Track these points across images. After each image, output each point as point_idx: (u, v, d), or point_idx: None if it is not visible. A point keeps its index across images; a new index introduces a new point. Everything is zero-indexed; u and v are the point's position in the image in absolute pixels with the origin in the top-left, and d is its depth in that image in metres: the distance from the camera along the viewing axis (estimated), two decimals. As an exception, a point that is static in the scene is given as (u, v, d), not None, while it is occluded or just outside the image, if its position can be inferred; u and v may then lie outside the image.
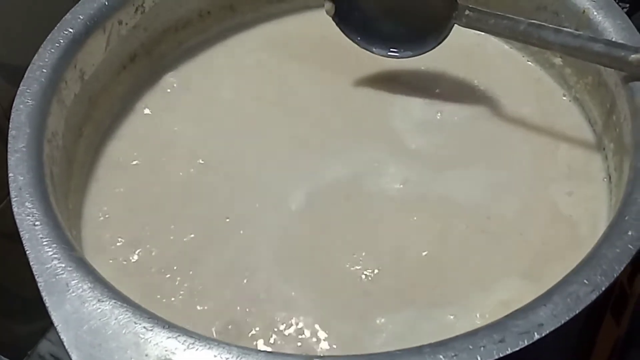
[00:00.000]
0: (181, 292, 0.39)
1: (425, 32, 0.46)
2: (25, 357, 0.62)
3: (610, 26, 0.43)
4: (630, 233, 0.33)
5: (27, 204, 0.36)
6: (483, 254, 0.40)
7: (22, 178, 0.37)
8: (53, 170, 0.39)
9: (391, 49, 0.47)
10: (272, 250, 0.40)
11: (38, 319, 0.62)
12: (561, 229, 0.41)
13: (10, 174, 0.37)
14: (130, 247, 0.41)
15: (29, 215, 0.35)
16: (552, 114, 0.46)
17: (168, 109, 0.48)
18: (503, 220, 0.42)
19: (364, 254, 0.40)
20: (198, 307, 0.38)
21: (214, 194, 0.43)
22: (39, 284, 0.33)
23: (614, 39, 0.42)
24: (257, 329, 0.37)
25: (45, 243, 0.34)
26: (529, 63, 0.49)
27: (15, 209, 0.36)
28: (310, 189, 0.43)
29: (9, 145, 0.38)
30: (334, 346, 0.37)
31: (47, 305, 0.32)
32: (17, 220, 0.35)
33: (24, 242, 0.35)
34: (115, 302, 0.32)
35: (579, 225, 0.42)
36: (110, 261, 0.40)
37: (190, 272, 0.40)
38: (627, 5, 0.62)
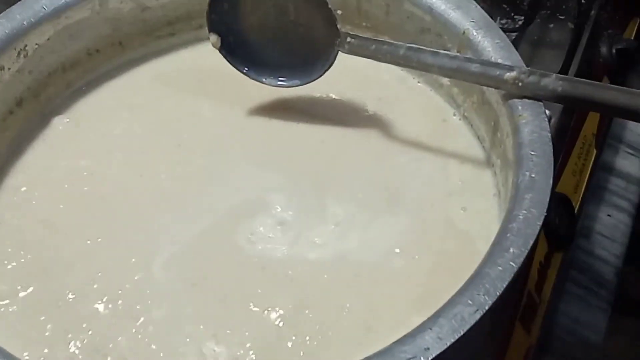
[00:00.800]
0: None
1: (311, 60, 0.46)
2: None
3: (490, 45, 0.43)
4: (511, 250, 0.34)
5: None
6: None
7: None
8: None
9: (280, 78, 0.48)
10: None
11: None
12: (458, 244, 0.42)
13: None
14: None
15: None
16: (443, 133, 0.47)
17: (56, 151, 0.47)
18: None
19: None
20: None
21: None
22: None
23: (493, 58, 0.43)
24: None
25: None
26: (419, 84, 0.50)
27: None
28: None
29: None
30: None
31: None
32: None
33: None
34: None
35: (475, 241, 0.42)
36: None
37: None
38: (522, 17, 0.63)
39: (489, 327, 0.36)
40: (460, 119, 0.48)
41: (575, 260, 0.63)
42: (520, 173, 0.37)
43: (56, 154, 0.47)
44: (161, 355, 0.38)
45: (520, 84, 0.40)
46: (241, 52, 0.47)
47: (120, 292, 0.40)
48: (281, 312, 0.39)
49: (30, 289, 0.40)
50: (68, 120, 0.49)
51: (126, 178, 0.46)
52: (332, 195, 0.44)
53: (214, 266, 0.41)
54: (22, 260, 0.42)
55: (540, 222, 0.35)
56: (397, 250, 0.42)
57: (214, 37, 0.47)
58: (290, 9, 0.47)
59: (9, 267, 0.41)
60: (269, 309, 0.39)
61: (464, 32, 0.45)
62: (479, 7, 0.45)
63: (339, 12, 0.49)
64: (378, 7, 0.50)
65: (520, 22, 0.63)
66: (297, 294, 0.40)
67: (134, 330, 0.39)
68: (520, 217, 0.35)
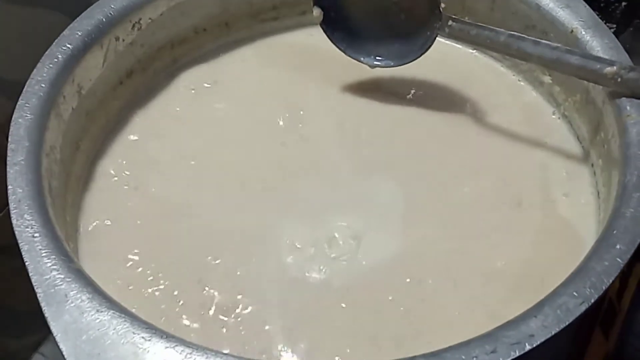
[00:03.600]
0: (180, 302, 0.40)
1: (408, 41, 0.47)
2: (18, 371, 0.62)
3: (598, 45, 0.44)
4: (618, 247, 0.34)
5: (26, 216, 0.36)
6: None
7: (20, 190, 0.37)
8: (51, 184, 0.40)
9: (376, 58, 0.48)
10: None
11: (30, 333, 0.62)
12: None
13: (9, 187, 0.37)
14: (125, 260, 0.42)
15: (27, 227, 0.36)
16: (541, 130, 0.47)
17: (162, 128, 0.49)
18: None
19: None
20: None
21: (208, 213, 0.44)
22: (38, 295, 0.34)
23: (601, 58, 0.43)
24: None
25: (44, 254, 0.35)
26: (520, 82, 0.50)
27: (14, 221, 0.36)
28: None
29: (8, 158, 0.39)
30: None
31: (46, 315, 0.33)
32: (16, 232, 0.36)
33: (23, 253, 0.35)
34: (113, 313, 0.33)
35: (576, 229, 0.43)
36: (108, 273, 0.41)
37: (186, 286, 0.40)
38: (615, 25, 0.63)
39: (577, 326, 0.37)
40: (559, 118, 0.48)
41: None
42: (628, 172, 0.37)
43: (161, 129, 0.49)
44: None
45: (619, 79, 0.40)
46: (341, 28, 0.48)
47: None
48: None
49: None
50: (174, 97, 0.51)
51: (229, 156, 0.47)
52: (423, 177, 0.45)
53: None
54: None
55: (648, 222, 0.35)
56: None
57: (317, 11, 0.48)
58: None
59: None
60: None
61: (572, 31, 0.45)
62: (588, 7, 0.45)
63: (443, 5, 0.49)
64: (483, 2, 0.50)
65: (612, 30, 0.62)
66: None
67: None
68: (627, 215, 0.35)
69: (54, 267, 0.34)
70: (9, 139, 0.40)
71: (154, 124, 0.49)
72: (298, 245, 0.42)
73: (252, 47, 0.54)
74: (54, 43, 0.44)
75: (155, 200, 0.45)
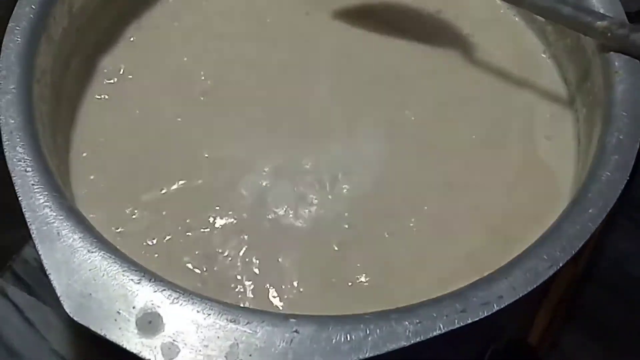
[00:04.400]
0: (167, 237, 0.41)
1: None
2: (10, 261, 0.64)
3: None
4: (590, 211, 0.35)
5: (18, 148, 0.37)
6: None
7: (12, 121, 0.38)
8: (42, 110, 0.40)
9: None
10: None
11: (20, 225, 0.63)
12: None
13: (1, 117, 0.38)
14: (112, 183, 0.43)
15: (20, 161, 0.36)
16: (530, 70, 0.48)
17: (156, 38, 0.49)
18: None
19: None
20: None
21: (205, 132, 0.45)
22: (31, 231, 0.35)
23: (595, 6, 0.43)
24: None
25: (37, 190, 0.36)
26: (514, 17, 0.50)
27: (6, 153, 0.37)
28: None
29: (-1, 86, 0.39)
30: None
31: (39, 251, 0.34)
32: (8, 165, 0.36)
33: (16, 188, 0.36)
34: (104, 254, 0.34)
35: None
36: (95, 198, 0.42)
37: (175, 216, 0.42)
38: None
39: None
40: (549, 58, 0.48)
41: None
42: (609, 132, 0.38)
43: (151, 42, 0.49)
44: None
45: (609, 34, 0.40)
46: None
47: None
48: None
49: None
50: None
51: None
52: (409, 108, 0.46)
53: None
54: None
55: (622, 186, 0.36)
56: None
57: None
58: None
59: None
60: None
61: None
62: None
63: None
64: None
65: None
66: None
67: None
68: (603, 178, 0.37)
69: (47, 204, 0.35)
70: (0, 65, 0.40)
71: (146, 38, 0.49)
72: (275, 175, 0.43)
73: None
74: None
75: (144, 121, 0.45)
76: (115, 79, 0.47)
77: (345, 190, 0.43)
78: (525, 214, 0.42)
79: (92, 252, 0.34)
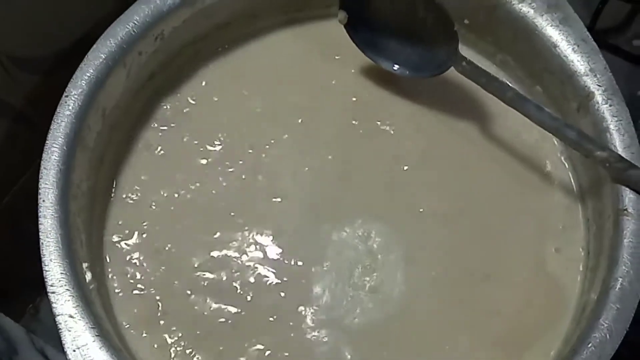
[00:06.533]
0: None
1: (425, 60, 0.49)
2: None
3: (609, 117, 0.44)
4: (590, 365, 0.38)
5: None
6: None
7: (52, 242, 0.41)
8: (79, 223, 0.43)
9: (394, 65, 0.50)
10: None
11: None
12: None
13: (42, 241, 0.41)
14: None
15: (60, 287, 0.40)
16: (544, 170, 0.49)
17: (188, 119, 0.51)
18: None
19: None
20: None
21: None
22: None
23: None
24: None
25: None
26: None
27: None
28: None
29: (39, 209, 0.42)
30: None
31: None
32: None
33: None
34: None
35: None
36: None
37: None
38: None
39: None
40: (564, 160, 0.49)
41: None
42: (612, 278, 0.40)
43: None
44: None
45: (608, 165, 0.42)
46: (364, 32, 0.50)
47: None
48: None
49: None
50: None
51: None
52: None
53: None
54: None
55: (620, 339, 0.38)
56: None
57: (342, 14, 0.50)
58: (420, 10, 0.48)
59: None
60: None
61: (588, 95, 0.45)
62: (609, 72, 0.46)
63: (466, 21, 0.50)
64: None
65: None
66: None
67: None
68: (604, 326, 0.39)
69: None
70: (39, 185, 0.42)
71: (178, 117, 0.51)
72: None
73: (277, 36, 0.54)
74: (78, 69, 0.45)
75: (184, 205, 0.48)
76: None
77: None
78: (530, 327, 0.44)
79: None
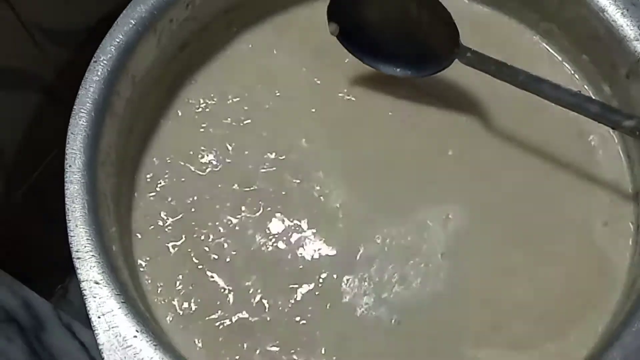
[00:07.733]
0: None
1: (426, 59, 0.47)
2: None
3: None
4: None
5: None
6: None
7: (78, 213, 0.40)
8: (106, 190, 0.42)
9: (395, 68, 0.48)
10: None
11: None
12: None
13: (67, 207, 0.40)
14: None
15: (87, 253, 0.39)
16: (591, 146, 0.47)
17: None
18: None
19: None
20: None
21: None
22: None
23: None
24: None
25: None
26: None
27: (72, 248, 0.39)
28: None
29: (65, 175, 0.40)
30: None
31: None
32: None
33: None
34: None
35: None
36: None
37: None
38: None
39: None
40: (612, 133, 0.47)
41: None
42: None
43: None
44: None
45: (638, 133, 0.40)
46: (358, 40, 0.48)
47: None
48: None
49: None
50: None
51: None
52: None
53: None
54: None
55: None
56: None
57: (332, 26, 0.47)
58: (412, 9, 0.46)
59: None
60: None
61: (638, 61, 0.43)
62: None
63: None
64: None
65: None
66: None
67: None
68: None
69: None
70: (66, 150, 0.41)
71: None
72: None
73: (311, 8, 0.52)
74: (107, 35, 0.44)
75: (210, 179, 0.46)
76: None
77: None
78: (577, 302, 0.42)
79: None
